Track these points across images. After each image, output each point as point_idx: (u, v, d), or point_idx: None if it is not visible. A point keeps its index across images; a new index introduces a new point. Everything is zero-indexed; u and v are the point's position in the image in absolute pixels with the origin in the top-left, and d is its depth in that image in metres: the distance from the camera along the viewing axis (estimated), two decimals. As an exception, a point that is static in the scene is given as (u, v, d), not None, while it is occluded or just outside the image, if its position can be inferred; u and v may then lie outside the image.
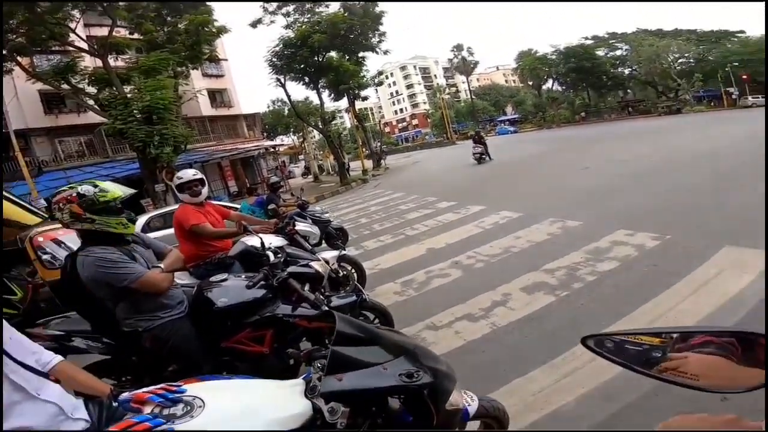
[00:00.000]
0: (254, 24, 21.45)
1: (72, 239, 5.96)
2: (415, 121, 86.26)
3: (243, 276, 2.57)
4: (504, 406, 1.69)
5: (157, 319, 2.16)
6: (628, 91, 51.90)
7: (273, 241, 3.40)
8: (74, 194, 1.98)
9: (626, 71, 48.70)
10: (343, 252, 4.36)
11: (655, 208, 5.78)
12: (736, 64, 40.53)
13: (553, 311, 3.34)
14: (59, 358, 1.28)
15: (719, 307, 2.87)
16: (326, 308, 2.45)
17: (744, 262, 3.50)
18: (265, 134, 36.46)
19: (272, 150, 31.19)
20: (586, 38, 49.50)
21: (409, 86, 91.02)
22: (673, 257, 3.93)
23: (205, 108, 25.81)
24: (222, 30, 18.05)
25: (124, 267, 2.00)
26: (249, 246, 2.85)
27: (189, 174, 3.41)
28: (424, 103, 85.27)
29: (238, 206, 6.69)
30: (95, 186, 2.02)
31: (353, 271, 4.41)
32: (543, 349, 2.75)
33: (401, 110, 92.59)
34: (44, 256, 5.00)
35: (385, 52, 24.26)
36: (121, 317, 2.15)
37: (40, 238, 5.13)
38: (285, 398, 1.23)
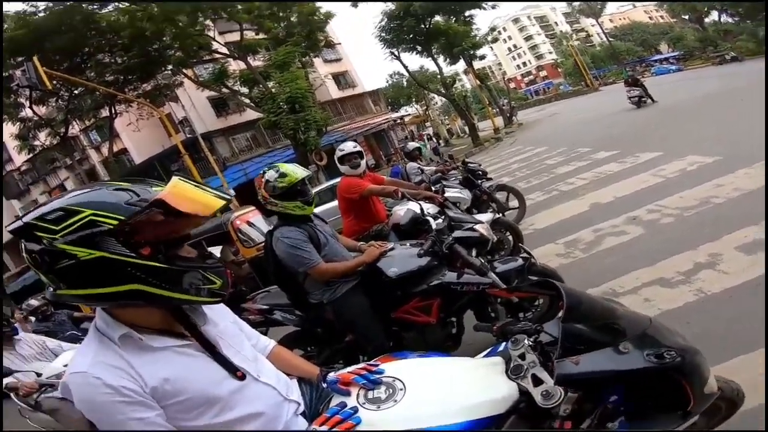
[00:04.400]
0: (355, 2, 21.64)
1: (259, 220, 7.09)
2: (543, 73, 79.44)
3: (408, 244, 2.57)
4: (741, 386, 1.35)
5: (336, 290, 2.30)
6: None
7: (428, 208, 3.35)
8: (263, 180, 2.23)
9: None
10: (497, 215, 4.10)
11: None
12: None
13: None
14: (274, 342, 1.35)
15: None
16: (492, 274, 2.32)
17: None
18: (389, 107, 37.43)
19: (399, 121, 31.91)
20: None
21: (528, 38, 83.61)
22: None
23: (333, 91, 27.63)
24: (328, 15, 18.90)
25: (304, 251, 2.18)
26: (417, 212, 2.83)
27: (349, 147, 3.55)
28: (550, 53, 77.61)
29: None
30: (277, 171, 2.21)
31: (509, 234, 4.11)
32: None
33: (524, 64, 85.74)
34: (242, 236, 6.02)
35: (493, 7, 22.77)
36: (309, 289, 2.36)
37: (238, 221, 6.19)
38: (486, 379, 1.15)
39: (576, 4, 57.97)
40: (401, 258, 2.37)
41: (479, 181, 5.28)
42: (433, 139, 27.43)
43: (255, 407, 1.04)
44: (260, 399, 1.07)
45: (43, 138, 19.08)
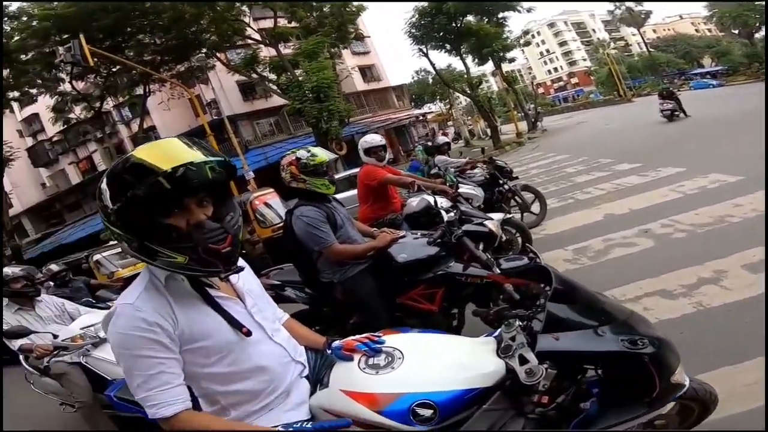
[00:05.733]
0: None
1: (277, 203, 7.33)
2: (574, 80, 77.28)
3: (419, 234, 2.66)
4: (716, 391, 1.43)
5: (347, 270, 2.42)
6: None
7: (441, 201, 3.47)
8: (294, 158, 2.38)
9: None
10: (509, 215, 4.19)
11: None
12: None
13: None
14: (287, 315, 1.46)
15: None
16: (497, 270, 2.39)
17: None
18: (413, 104, 37.34)
19: (421, 118, 31.85)
20: None
21: (562, 44, 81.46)
22: None
23: (359, 83, 27.78)
24: (360, 8, 19.05)
25: (320, 231, 2.31)
26: (429, 202, 2.93)
27: (376, 140, 3.70)
28: (584, 60, 75.64)
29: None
30: (309, 151, 2.38)
31: (518, 235, 4.20)
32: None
33: (555, 69, 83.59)
34: (258, 217, 6.25)
35: (528, 10, 22.60)
36: (321, 268, 2.49)
37: (256, 202, 6.42)
38: (478, 355, 1.24)
39: (618, 12, 55.82)
40: (411, 246, 2.47)
41: (503, 180, 5.38)
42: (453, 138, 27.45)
43: (266, 361, 1.15)
44: (272, 355, 1.18)
45: (78, 111, 19.94)
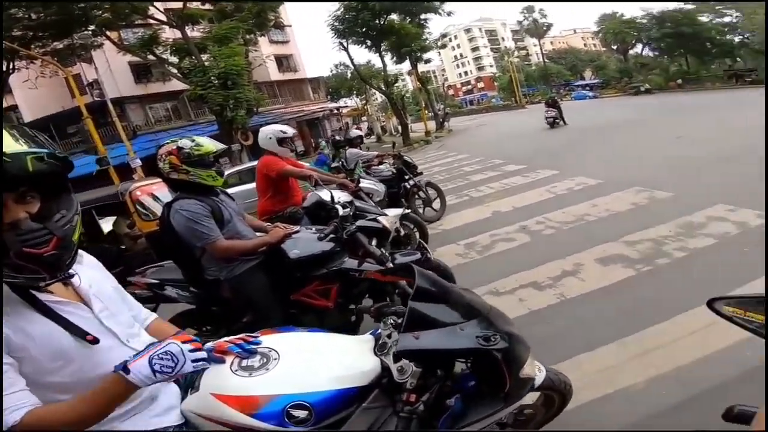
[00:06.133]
0: None
1: (165, 194, 6.61)
2: (480, 84, 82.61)
3: (313, 229, 2.61)
4: (570, 380, 1.59)
5: (235, 267, 2.27)
6: (737, 59, 43.80)
7: (340, 195, 3.44)
8: (175, 147, 2.15)
9: (736, 38, 41.15)
10: (407, 211, 4.33)
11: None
12: None
13: (631, 286, 3.06)
14: (155, 315, 1.36)
15: None
16: (391, 265, 2.43)
17: None
18: (329, 97, 36.92)
19: (336, 112, 31.65)
20: (684, 2, 42.45)
21: (475, 49, 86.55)
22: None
23: (273, 73, 26.65)
24: None
25: (203, 226, 2.12)
26: (321, 198, 2.87)
27: (291, 131, 3.58)
28: (491, 66, 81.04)
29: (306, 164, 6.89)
30: (192, 141, 2.18)
31: (415, 230, 4.37)
32: (615, 326, 2.54)
33: (465, 73, 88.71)
34: (140, 209, 5.57)
35: (449, 14, 23.79)
36: (206, 265, 2.30)
37: (138, 192, 5.70)
38: (356, 354, 1.23)
39: (525, 22, 60.18)
40: (304, 241, 2.40)
41: (409, 175, 5.60)
42: (366, 133, 27.85)
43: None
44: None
45: None
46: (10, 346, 0.92)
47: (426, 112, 28.11)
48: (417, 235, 4.32)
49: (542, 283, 3.34)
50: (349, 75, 37.10)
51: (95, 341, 1.02)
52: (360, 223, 2.64)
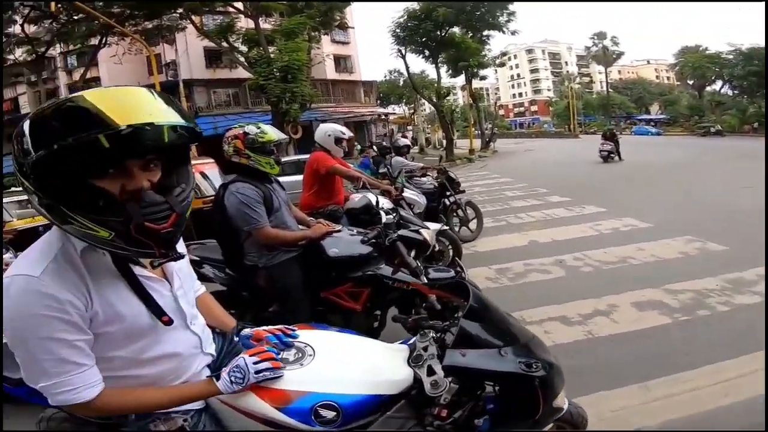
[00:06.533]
0: None
1: (215, 174, 7.01)
2: (534, 108, 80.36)
3: (355, 231, 2.63)
4: (587, 414, 1.60)
5: (275, 257, 2.34)
6: None
7: (384, 202, 3.45)
8: (242, 132, 2.29)
9: None
10: (445, 227, 4.36)
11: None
12: None
13: (665, 334, 2.98)
14: (203, 289, 1.34)
15: None
16: (425, 278, 2.44)
17: None
18: (378, 102, 37.34)
19: (383, 117, 32.01)
20: None
21: (534, 71, 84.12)
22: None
23: (330, 72, 27.29)
24: None
25: (254, 211, 2.22)
26: (370, 201, 2.93)
27: (349, 133, 3.72)
28: (548, 90, 78.42)
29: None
30: (258, 128, 2.31)
31: (450, 247, 4.37)
32: (641, 369, 2.49)
33: (520, 94, 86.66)
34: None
35: (513, 33, 23.04)
36: (247, 250, 2.37)
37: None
38: (389, 361, 1.23)
39: (594, 48, 57.02)
40: (345, 241, 2.43)
41: (450, 191, 5.59)
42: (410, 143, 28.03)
43: (176, 348, 1.06)
44: (184, 344, 1.09)
45: (18, 54, 17.91)
46: (94, 321, 0.90)
47: (473, 129, 27.85)
48: (451, 252, 4.33)
49: (571, 319, 3.29)
50: (402, 82, 37.43)
51: (169, 322, 1.01)
52: (402, 232, 2.64)
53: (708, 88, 46.01)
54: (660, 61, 72.81)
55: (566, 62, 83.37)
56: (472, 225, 5.87)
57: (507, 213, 7.39)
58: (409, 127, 37.97)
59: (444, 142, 23.28)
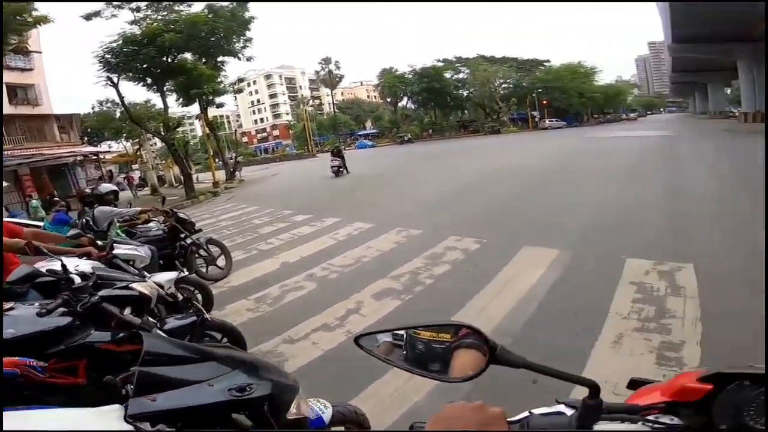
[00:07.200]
0: (89, 16, 18.12)
1: None
2: (276, 132, 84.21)
3: (36, 304, 2.19)
4: (362, 410, 1.74)
5: None
6: (465, 111, 60.03)
7: (80, 263, 2.90)
8: None
9: (465, 93, 56.11)
10: (183, 274, 3.96)
11: (478, 215, 7.04)
12: (540, 90, 51.53)
13: (399, 314, 3.64)
14: None
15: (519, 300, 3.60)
16: (159, 331, 2.24)
17: (537, 259, 4.46)
18: (86, 139, 30.56)
19: (94, 157, 26.29)
20: (439, 60, 55.09)
21: (273, 95, 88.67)
22: (489, 258, 4.75)
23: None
24: (42, 20, 15.27)
25: None
26: (34, 269, 2.45)
27: None
28: (287, 114, 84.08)
29: (41, 224, 5.46)
30: None
31: (196, 292, 4.01)
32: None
33: (262, 120, 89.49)
34: None
35: (249, 59, 22.99)
36: None
37: None
38: (101, 426, 1.14)
39: (322, 72, 63.16)
40: (22, 319, 2.02)
41: (185, 233, 5.10)
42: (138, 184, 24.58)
43: None
44: None
45: None
46: None
47: (215, 160, 26.46)
48: (199, 297, 3.98)
49: (331, 324, 3.60)
50: (119, 114, 31.67)
51: None
52: (103, 292, 2.34)
53: (400, 104, 60.35)
54: (368, 82, 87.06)
55: (300, 86, 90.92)
56: (221, 262, 5.56)
57: (257, 241, 7.36)
58: (135, 166, 32.47)
59: (182, 178, 20.95)
